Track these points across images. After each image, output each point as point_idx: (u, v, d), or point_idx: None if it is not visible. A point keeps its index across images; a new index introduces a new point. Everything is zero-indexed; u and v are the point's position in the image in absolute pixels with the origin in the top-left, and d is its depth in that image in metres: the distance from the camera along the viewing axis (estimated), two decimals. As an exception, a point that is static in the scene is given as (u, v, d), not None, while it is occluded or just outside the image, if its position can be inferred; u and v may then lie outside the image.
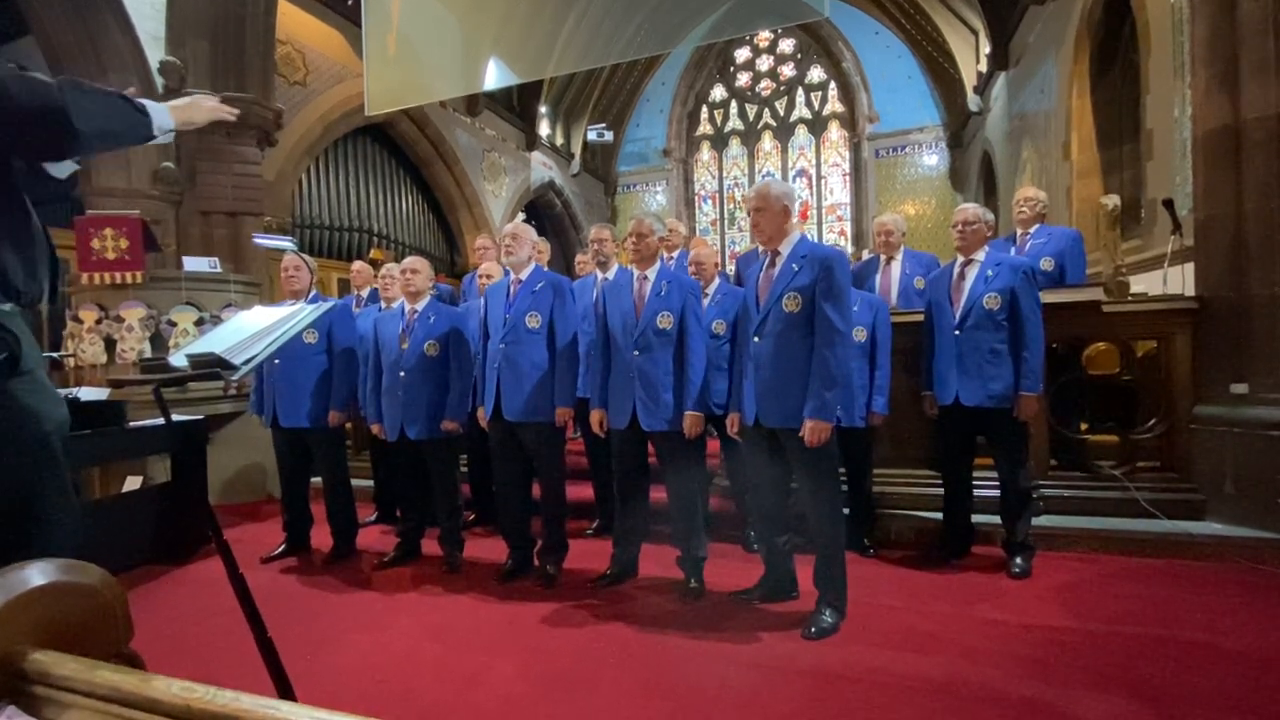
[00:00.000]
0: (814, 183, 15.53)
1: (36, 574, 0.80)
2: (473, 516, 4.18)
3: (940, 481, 3.32)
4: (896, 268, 4.10)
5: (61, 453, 1.30)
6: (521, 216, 12.98)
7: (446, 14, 5.28)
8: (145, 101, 1.38)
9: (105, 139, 1.33)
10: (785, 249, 2.59)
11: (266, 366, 3.49)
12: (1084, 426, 3.78)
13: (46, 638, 0.78)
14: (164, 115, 1.43)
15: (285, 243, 5.89)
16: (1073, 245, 3.83)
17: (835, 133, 15.40)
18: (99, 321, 4.78)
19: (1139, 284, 4.59)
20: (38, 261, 1.31)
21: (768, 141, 15.97)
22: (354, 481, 3.78)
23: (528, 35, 5.31)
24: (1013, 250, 3.88)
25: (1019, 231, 3.99)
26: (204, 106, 1.58)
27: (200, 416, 4.14)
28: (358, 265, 4.99)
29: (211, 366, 1.63)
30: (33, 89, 1.17)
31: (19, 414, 1.21)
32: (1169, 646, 2.30)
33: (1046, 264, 3.75)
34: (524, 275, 3.19)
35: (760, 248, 2.71)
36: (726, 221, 16.29)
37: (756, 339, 2.59)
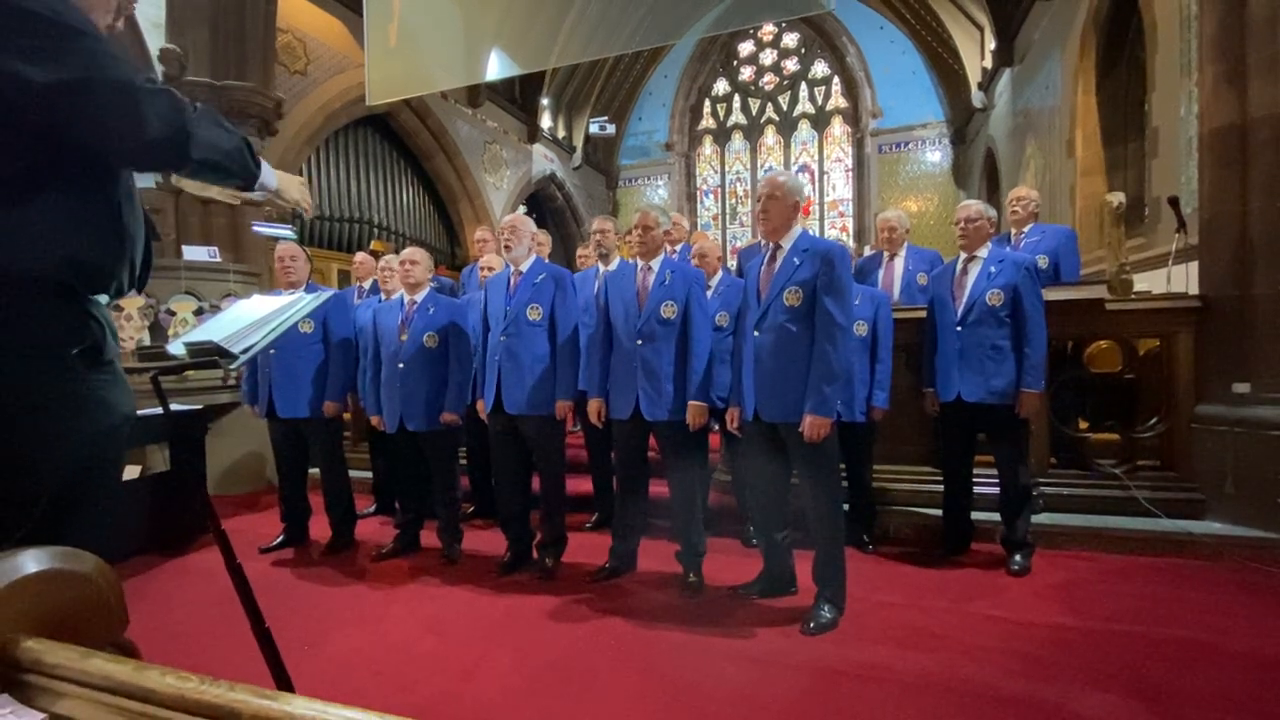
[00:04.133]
0: (816, 178, 15.46)
1: (30, 561, 0.79)
2: (471, 509, 4.18)
3: (940, 478, 3.32)
4: (899, 264, 4.09)
5: (123, 445, 1.28)
6: (523, 209, 12.94)
7: (448, 3, 5.24)
8: (260, 157, 1.39)
9: (212, 173, 1.30)
10: (786, 243, 2.58)
11: (261, 357, 3.46)
12: (1084, 424, 3.78)
13: (40, 626, 0.77)
14: (270, 175, 1.42)
15: (284, 230, 5.85)
16: (1067, 243, 3.85)
17: (838, 128, 15.32)
18: (98, 310, 4.75)
19: (1142, 282, 4.58)
20: (134, 257, 1.29)
21: (770, 136, 15.90)
22: (352, 473, 3.78)
23: (530, 26, 5.27)
24: (1008, 249, 3.88)
25: (1013, 231, 3.99)
26: (296, 183, 1.55)
27: (199, 406, 4.13)
28: (360, 256, 4.97)
29: (210, 355, 1.61)
30: (164, 111, 1.15)
31: (95, 405, 1.19)
32: (1167, 645, 2.30)
33: (1041, 261, 3.76)
34: (524, 267, 3.17)
35: (762, 241, 2.70)
36: (728, 216, 16.24)
37: (757, 333, 2.58)
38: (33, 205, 1.11)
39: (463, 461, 3.97)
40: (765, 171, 15.54)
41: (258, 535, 3.70)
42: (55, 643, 0.74)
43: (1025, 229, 3.93)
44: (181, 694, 0.64)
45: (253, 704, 0.61)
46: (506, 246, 3.15)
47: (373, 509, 4.36)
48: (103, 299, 1.25)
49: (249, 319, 1.69)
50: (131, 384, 1.32)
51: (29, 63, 1.04)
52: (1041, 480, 3.52)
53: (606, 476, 3.83)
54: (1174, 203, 4.07)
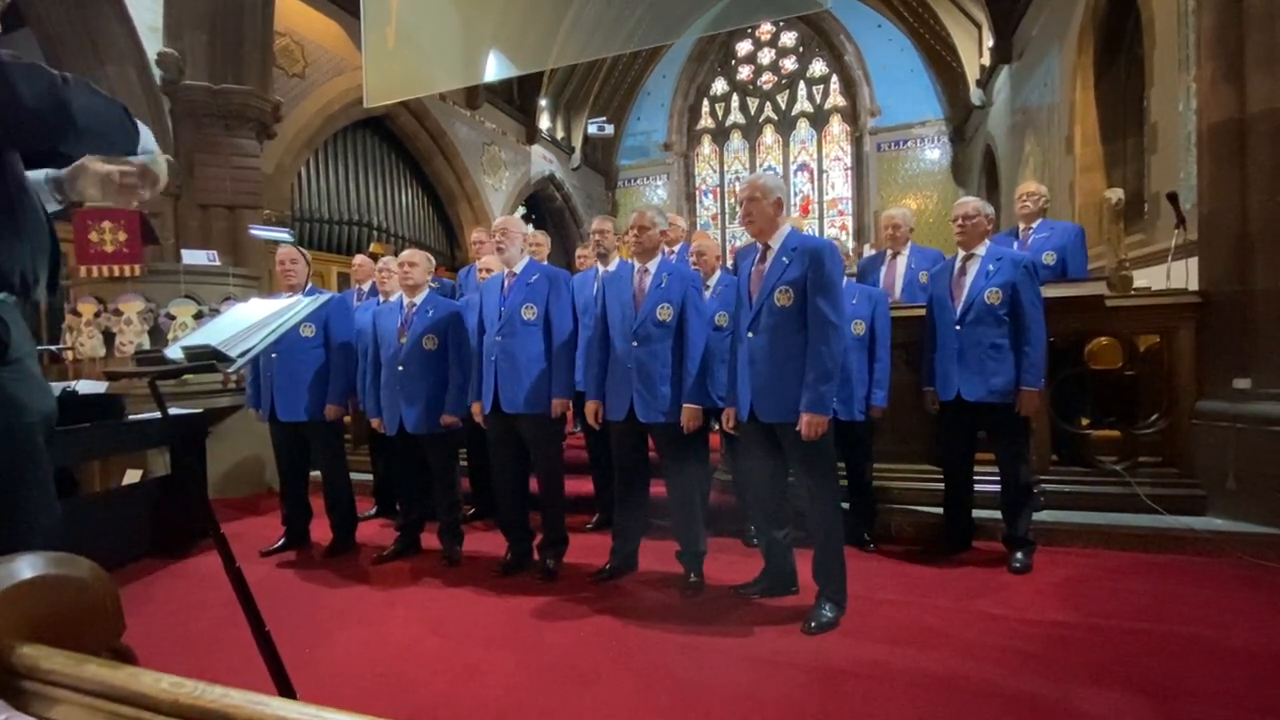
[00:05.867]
0: (815, 177, 15.47)
1: (25, 566, 0.79)
2: (472, 510, 4.18)
3: (941, 476, 3.31)
4: (902, 262, 4.08)
5: (44, 448, 1.25)
6: (521, 210, 12.95)
7: (446, 5, 5.24)
8: (136, 119, 1.38)
9: (98, 140, 1.30)
10: (775, 242, 2.58)
11: (264, 360, 3.47)
12: (1085, 421, 3.77)
13: (35, 631, 0.76)
14: (150, 138, 1.41)
15: (282, 234, 5.86)
16: (1075, 239, 3.82)
17: (837, 127, 15.32)
18: (97, 315, 4.76)
19: (1142, 278, 4.58)
20: (36, 252, 1.28)
21: (769, 135, 15.91)
22: (353, 475, 3.77)
23: (528, 26, 5.28)
24: (1016, 245, 3.87)
25: (1021, 226, 3.97)
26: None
27: (199, 410, 4.13)
28: (359, 259, 4.97)
29: (207, 358, 1.61)
30: (35, 80, 1.15)
31: (3, 403, 1.18)
32: (1170, 641, 2.29)
33: (1049, 258, 3.74)
34: (518, 268, 3.17)
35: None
36: (728, 216, 16.24)
37: (751, 335, 2.58)
38: None
39: (463, 463, 3.96)
40: (763, 171, 15.53)
41: (259, 538, 3.70)
42: (50, 648, 0.74)
43: (1034, 224, 3.89)
44: (176, 699, 0.63)
45: (247, 709, 0.60)
46: (499, 248, 3.15)
47: (373, 511, 4.36)
48: (9, 297, 1.23)
49: (247, 322, 1.69)
50: (133, 389, 1.31)
51: None
52: (1043, 477, 3.52)
53: (607, 477, 3.82)
54: (1173, 198, 4.06)
